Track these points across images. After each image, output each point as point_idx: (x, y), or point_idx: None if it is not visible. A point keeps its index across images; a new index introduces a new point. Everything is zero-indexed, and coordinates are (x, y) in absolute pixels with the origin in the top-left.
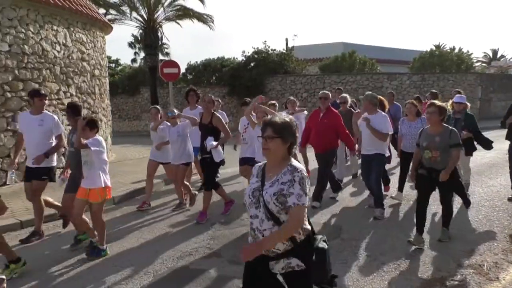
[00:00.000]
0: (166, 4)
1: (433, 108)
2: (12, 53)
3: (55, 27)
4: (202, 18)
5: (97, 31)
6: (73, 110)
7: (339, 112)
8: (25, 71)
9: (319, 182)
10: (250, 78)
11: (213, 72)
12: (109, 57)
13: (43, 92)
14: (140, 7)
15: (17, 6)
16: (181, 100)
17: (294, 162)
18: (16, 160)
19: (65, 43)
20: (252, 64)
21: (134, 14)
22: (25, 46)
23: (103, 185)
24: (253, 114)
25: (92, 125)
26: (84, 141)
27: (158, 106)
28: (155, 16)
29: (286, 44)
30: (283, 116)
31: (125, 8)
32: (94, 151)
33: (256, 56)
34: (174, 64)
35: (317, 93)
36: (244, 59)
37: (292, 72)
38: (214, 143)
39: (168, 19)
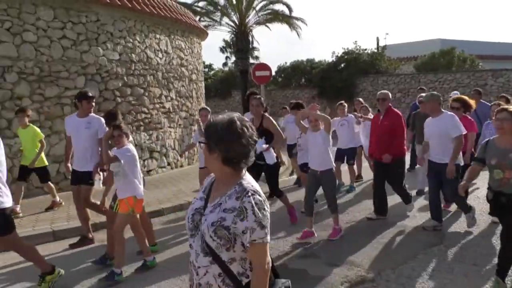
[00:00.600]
0: (258, 8)
1: (505, 114)
2: (122, 61)
3: (158, 36)
4: (291, 22)
5: (194, 37)
6: (110, 119)
7: (417, 114)
8: (133, 78)
9: (399, 195)
10: (341, 79)
11: (302, 74)
12: (203, 62)
13: (90, 94)
14: (232, 13)
15: (126, 18)
16: (271, 102)
17: (245, 181)
18: (69, 165)
19: (166, 50)
20: (342, 65)
21: (226, 19)
22: (133, 55)
23: (136, 196)
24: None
25: (122, 131)
26: (112, 154)
27: (207, 107)
28: (246, 20)
29: (377, 43)
30: (226, 115)
31: (217, 15)
32: (125, 162)
33: (346, 56)
34: (265, 67)
35: (411, 93)
36: (334, 60)
37: (384, 72)
38: (265, 146)
39: (258, 23)
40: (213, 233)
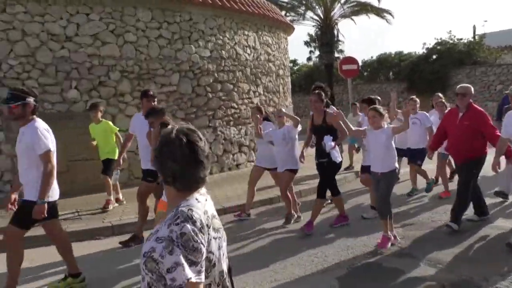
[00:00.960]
0: (342, 1)
1: None
2: (213, 58)
3: (246, 32)
4: (380, 13)
5: (280, 33)
6: (153, 115)
7: (508, 109)
8: (223, 74)
9: (458, 199)
10: (432, 71)
11: (389, 68)
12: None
13: (151, 93)
14: (316, 7)
15: (217, 16)
16: (357, 97)
17: (186, 202)
18: (121, 161)
19: (254, 46)
20: (434, 57)
21: (310, 13)
22: (223, 51)
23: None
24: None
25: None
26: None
27: (261, 106)
28: (331, 14)
29: (474, 31)
30: (177, 125)
31: (301, 9)
32: None
33: (439, 47)
34: (352, 61)
35: None
36: (425, 51)
37: (483, 63)
38: (333, 143)
39: (344, 16)
40: (144, 266)
